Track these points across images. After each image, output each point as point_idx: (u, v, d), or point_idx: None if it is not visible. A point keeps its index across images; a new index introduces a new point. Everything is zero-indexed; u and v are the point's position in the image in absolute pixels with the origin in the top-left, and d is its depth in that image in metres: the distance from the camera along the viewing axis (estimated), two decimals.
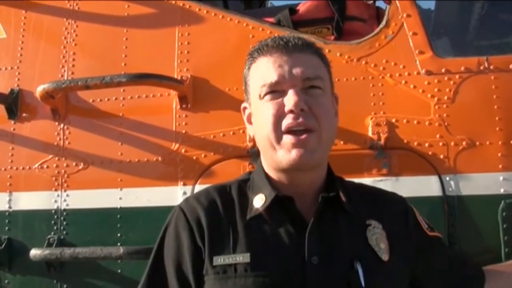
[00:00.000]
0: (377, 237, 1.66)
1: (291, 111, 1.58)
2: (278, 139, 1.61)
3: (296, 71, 1.62)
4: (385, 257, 1.64)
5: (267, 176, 1.73)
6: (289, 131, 1.59)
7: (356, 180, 2.02)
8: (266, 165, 1.74)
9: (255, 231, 1.65)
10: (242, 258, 1.59)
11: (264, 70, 1.66)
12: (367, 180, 2.51)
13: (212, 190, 1.78)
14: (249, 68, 1.75)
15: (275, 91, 1.63)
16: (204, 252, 1.64)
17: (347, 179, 1.90)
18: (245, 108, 1.82)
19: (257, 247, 1.61)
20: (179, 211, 1.75)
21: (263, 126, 1.64)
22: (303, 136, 1.58)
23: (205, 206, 1.71)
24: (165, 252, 1.73)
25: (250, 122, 1.78)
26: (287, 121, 1.59)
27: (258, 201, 1.69)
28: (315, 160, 1.63)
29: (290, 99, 1.59)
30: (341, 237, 1.62)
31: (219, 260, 1.61)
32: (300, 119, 1.58)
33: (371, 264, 1.60)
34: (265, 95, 1.64)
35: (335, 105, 1.78)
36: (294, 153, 1.58)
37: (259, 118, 1.68)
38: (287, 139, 1.59)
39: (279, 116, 1.60)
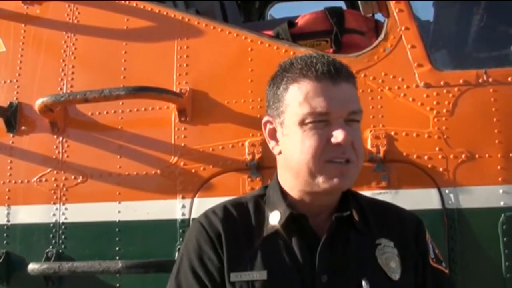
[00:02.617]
0: (387, 256, 1.66)
1: (339, 144, 1.58)
2: (319, 168, 1.60)
3: (345, 104, 1.60)
4: (395, 276, 1.64)
5: (283, 193, 1.73)
6: (331, 161, 1.59)
7: None
8: (287, 183, 1.74)
9: (271, 248, 1.66)
10: (259, 275, 1.61)
11: (312, 97, 1.61)
12: (366, 193, 2.47)
13: (229, 204, 1.78)
14: (286, 86, 1.68)
15: (321, 120, 1.60)
16: (224, 265, 1.66)
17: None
18: (268, 122, 1.76)
19: (273, 265, 1.63)
20: (199, 227, 1.74)
21: (302, 152, 1.62)
22: (346, 167, 1.59)
23: (223, 219, 1.72)
24: (187, 267, 1.71)
25: (273, 138, 1.75)
26: (332, 153, 1.59)
27: (274, 218, 1.70)
28: (348, 186, 1.67)
29: (339, 133, 1.57)
30: (351, 256, 1.64)
31: (237, 276, 1.63)
32: (346, 153, 1.59)
33: (380, 283, 1.61)
34: (310, 122, 1.61)
35: None
36: (335, 181, 1.59)
37: (296, 144, 1.64)
38: (331, 168, 1.59)
39: (324, 146, 1.59)
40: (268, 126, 1.76)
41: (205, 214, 1.78)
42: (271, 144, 1.77)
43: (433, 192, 2.58)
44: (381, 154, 2.62)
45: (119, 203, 2.91)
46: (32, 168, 3.07)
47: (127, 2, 3.17)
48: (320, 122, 1.60)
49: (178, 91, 2.91)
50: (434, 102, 2.64)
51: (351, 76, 1.68)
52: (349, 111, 1.61)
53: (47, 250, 2.94)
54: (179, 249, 2.71)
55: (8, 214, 3.05)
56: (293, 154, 1.66)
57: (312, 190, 1.65)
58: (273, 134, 1.75)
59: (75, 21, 3.23)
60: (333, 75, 1.61)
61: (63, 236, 2.96)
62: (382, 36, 2.79)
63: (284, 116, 1.69)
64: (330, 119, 1.60)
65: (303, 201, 1.69)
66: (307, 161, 1.61)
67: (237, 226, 1.71)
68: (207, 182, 2.81)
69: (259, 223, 1.72)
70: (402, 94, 2.69)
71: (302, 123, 1.62)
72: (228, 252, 1.66)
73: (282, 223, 1.67)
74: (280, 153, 1.73)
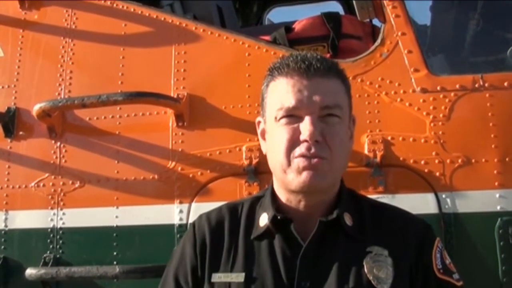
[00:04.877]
0: (378, 265, 1.58)
1: (305, 141, 1.55)
2: (289, 163, 1.58)
3: (315, 98, 1.57)
4: (382, 286, 1.56)
5: (274, 195, 1.72)
6: (299, 157, 1.57)
7: None
8: (276, 185, 1.73)
9: (254, 251, 1.65)
10: (237, 277, 1.61)
11: (283, 93, 1.61)
12: None
13: (225, 208, 1.79)
14: (267, 85, 1.70)
15: (292, 115, 1.59)
16: (204, 266, 1.67)
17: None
18: (259, 122, 1.77)
19: (253, 268, 1.62)
20: (191, 226, 1.79)
21: (276, 149, 1.61)
22: (315, 160, 1.55)
23: (212, 224, 1.73)
24: (172, 264, 1.77)
25: (263, 138, 1.75)
26: (300, 150, 1.56)
27: (262, 220, 1.69)
28: (325, 185, 1.60)
29: (305, 128, 1.55)
30: (337, 263, 1.58)
31: (217, 277, 1.64)
32: (313, 150, 1.54)
33: None
34: (280, 118, 1.60)
35: (352, 128, 1.73)
36: (304, 175, 1.56)
37: (273, 140, 1.65)
38: (298, 161, 1.56)
39: (293, 142, 1.57)
40: (260, 126, 1.77)
41: (200, 216, 1.81)
42: (262, 143, 1.78)
43: (430, 196, 2.58)
44: (378, 159, 2.63)
45: (117, 208, 2.91)
46: (29, 173, 3.07)
47: (125, 7, 3.18)
48: (291, 117, 1.59)
49: (175, 96, 2.92)
50: (431, 107, 2.65)
51: (332, 71, 1.64)
52: (321, 105, 1.57)
53: (44, 255, 2.94)
54: None
55: (6, 219, 3.05)
56: (271, 151, 1.67)
57: (290, 189, 1.63)
58: (263, 134, 1.75)
59: (73, 26, 3.24)
60: (305, 71, 1.60)
61: (60, 241, 2.96)
62: (378, 41, 2.80)
63: (265, 114, 1.71)
64: (302, 114, 1.57)
65: (290, 203, 1.67)
66: (279, 157, 1.60)
67: (225, 228, 1.71)
68: (205, 187, 2.82)
69: (249, 226, 1.71)
70: (398, 99, 2.70)
71: (276, 119, 1.62)
72: (211, 255, 1.67)
73: (268, 226, 1.66)
74: (266, 151, 1.73)
